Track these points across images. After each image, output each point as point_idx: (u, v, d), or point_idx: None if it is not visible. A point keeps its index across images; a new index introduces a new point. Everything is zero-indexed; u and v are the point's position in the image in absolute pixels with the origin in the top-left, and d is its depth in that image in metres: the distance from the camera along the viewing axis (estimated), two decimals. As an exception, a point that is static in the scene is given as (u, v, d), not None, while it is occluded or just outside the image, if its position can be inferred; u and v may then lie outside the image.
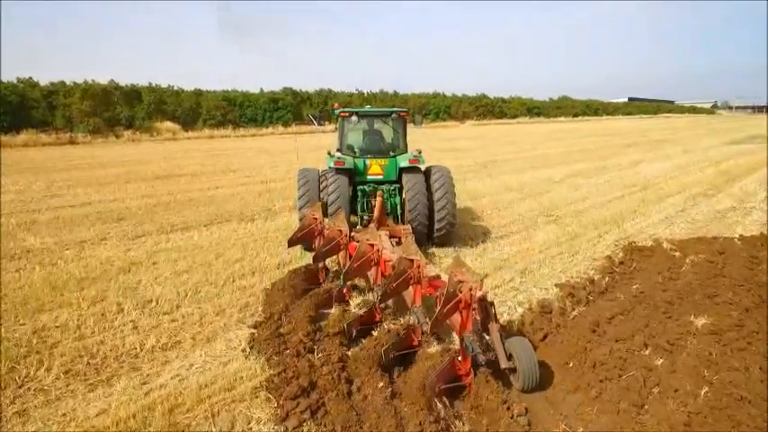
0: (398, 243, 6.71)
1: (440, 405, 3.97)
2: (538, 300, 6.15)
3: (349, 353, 4.73)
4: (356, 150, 8.88)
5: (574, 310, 5.87)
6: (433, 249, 8.45)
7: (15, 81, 36.56)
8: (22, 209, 11.74)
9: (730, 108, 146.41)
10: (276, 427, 3.80)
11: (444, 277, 4.59)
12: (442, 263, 7.81)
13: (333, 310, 5.61)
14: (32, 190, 14.27)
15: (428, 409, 3.84)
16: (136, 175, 17.36)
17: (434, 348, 4.48)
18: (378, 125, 9.22)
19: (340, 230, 6.39)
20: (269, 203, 12.53)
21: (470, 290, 4.00)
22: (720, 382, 4.07)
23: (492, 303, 4.16)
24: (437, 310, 3.99)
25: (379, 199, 8.02)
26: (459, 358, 4.15)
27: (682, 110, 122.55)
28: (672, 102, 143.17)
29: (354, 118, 8.98)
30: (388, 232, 6.99)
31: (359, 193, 8.52)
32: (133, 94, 41.62)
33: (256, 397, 4.18)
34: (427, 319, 4.61)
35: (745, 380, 4.05)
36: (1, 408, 4.05)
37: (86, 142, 32.20)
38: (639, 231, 9.78)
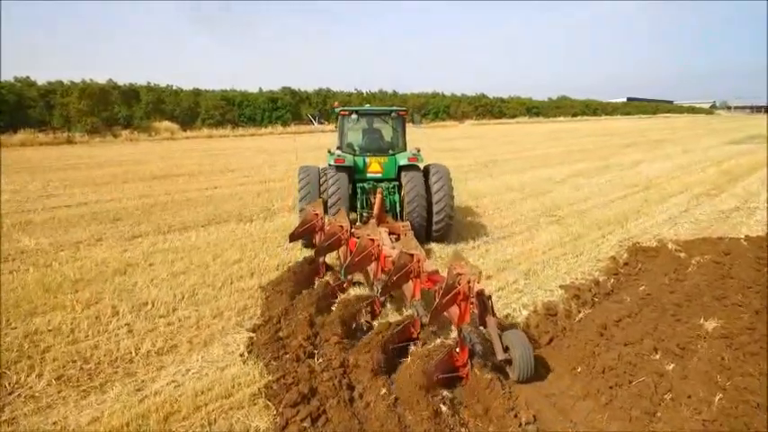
0: (397, 239, 6.71)
1: (444, 409, 3.86)
2: (543, 302, 6.03)
3: (351, 358, 4.60)
4: (356, 148, 8.93)
5: (579, 312, 5.76)
6: (432, 246, 8.45)
7: (13, 80, 36.28)
8: (17, 209, 11.56)
9: (729, 108, 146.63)
10: (275, 436, 3.65)
11: (443, 272, 4.65)
12: (440, 259, 7.75)
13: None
14: (28, 190, 14.08)
15: (433, 416, 3.72)
16: (133, 175, 17.17)
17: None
18: (377, 124, 9.28)
19: (341, 226, 6.53)
20: (268, 203, 12.38)
21: (468, 282, 4.10)
22: (734, 387, 3.95)
23: (489, 297, 4.28)
24: (436, 301, 4.11)
25: (378, 196, 8.06)
26: (458, 349, 4.24)
27: (680, 110, 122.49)
28: (670, 102, 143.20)
29: (354, 116, 9.07)
30: (387, 229, 6.95)
31: (358, 191, 8.59)
32: (131, 94, 41.32)
33: (255, 404, 4.04)
34: (426, 313, 4.68)
35: (759, 386, 3.93)
36: (-11, 416, 3.91)
37: (84, 142, 31.91)
38: (643, 232, 9.66)
